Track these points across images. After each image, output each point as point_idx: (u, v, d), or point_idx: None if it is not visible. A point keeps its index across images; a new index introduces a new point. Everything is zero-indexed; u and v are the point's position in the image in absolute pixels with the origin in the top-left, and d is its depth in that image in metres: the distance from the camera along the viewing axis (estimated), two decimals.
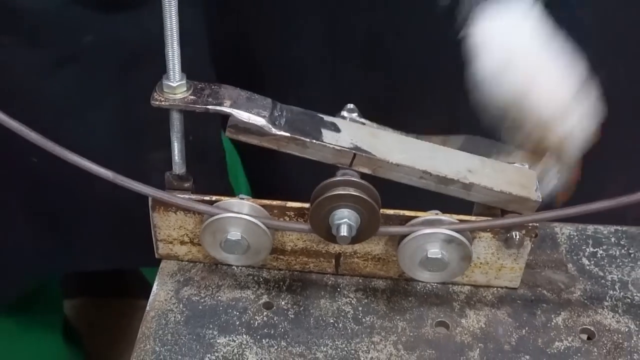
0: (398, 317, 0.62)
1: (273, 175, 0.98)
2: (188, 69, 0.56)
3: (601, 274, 0.66)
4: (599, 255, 0.68)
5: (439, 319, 0.62)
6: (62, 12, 0.66)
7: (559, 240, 0.69)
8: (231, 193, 0.68)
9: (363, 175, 0.58)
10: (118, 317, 1.42)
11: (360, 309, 0.63)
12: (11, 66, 0.68)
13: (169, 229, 0.63)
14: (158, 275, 0.65)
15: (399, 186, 0.59)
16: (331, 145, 0.58)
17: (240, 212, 0.59)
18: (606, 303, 0.64)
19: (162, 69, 0.56)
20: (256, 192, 1.00)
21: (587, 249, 0.69)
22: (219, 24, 0.79)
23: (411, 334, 0.61)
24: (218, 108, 0.56)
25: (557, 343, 0.61)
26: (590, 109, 0.62)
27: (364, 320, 0.62)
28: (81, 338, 1.22)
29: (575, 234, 0.70)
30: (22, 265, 0.83)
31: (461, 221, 0.59)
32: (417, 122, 0.64)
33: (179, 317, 0.62)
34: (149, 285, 0.64)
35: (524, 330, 0.61)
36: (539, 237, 0.65)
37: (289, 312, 0.62)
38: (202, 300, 0.63)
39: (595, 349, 0.60)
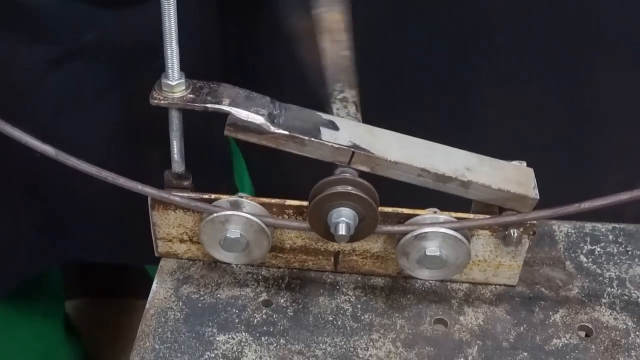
0: (397, 315, 0.62)
1: (274, 175, 0.98)
2: (197, 68, 0.56)
3: (599, 271, 0.67)
4: (596, 253, 0.68)
5: (438, 317, 0.62)
6: (64, 8, 0.66)
7: (556, 237, 0.69)
8: (235, 193, 0.68)
9: (361, 173, 0.59)
10: (118, 316, 1.42)
11: (359, 306, 0.63)
12: (12, 62, 0.68)
13: (169, 227, 0.64)
14: (157, 273, 0.65)
15: (398, 184, 0.59)
16: (329, 144, 0.58)
17: (239, 210, 0.59)
18: (604, 300, 0.64)
19: (163, 67, 0.56)
20: (258, 193, 1.00)
21: (585, 247, 0.69)
22: (221, 24, 0.79)
23: (410, 332, 0.61)
24: (217, 106, 0.56)
25: (555, 340, 0.61)
26: None
27: (362, 317, 0.62)
28: (81, 336, 1.22)
29: (573, 231, 0.70)
30: (23, 254, 0.83)
31: (459, 219, 0.59)
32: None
33: (179, 315, 0.62)
34: (151, 284, 0.64)
35: (522, 328, 0.62)
36: (537, 235, 0.65)
37: (288, 310, 0.63)
38: (202, 298, 0.63)
39: (593, 346, 0.60)
